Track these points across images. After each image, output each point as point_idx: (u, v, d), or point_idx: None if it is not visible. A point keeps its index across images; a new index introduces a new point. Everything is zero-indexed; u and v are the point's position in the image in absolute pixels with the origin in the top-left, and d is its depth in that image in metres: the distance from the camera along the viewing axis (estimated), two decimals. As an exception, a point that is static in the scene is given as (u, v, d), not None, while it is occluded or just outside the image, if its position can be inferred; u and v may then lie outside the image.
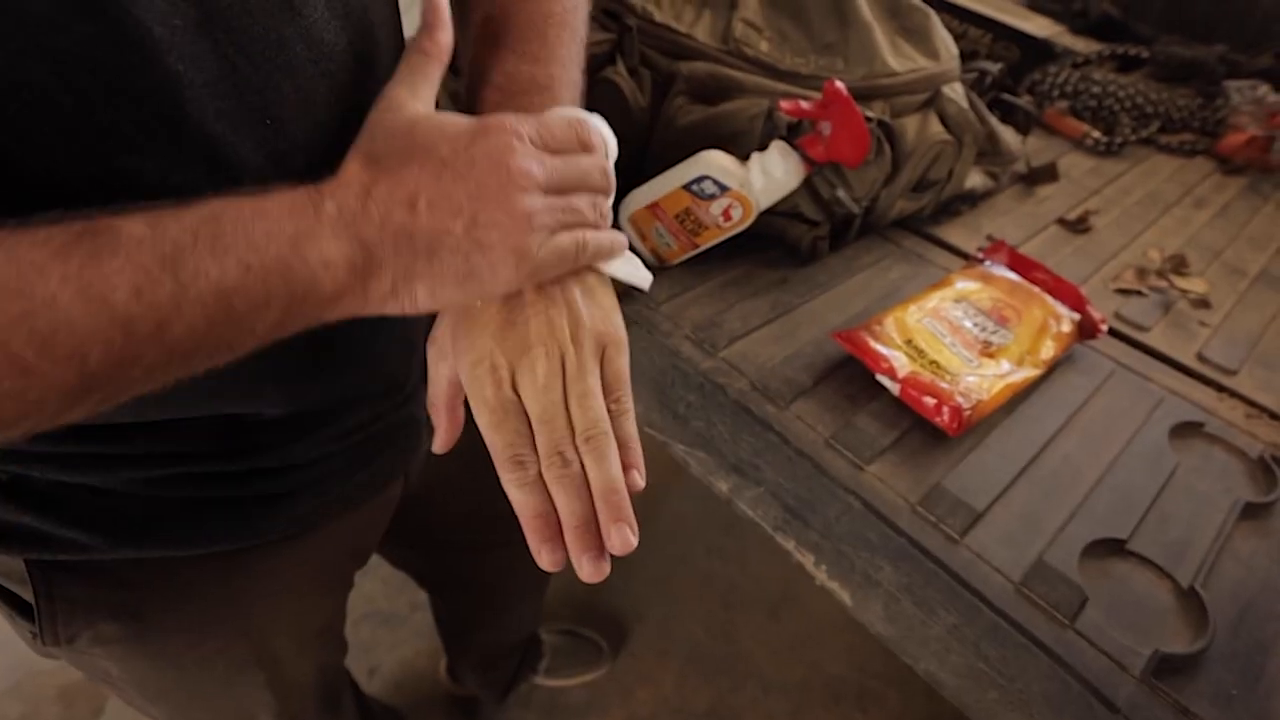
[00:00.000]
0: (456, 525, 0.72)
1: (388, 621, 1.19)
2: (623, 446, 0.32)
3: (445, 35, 0.34)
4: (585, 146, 0.33)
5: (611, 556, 0.31)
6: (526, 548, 0.31)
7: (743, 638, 1.22)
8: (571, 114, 0.33)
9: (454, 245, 0.28)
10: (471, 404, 0.33)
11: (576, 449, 0.31)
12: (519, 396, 0.31)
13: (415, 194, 0.28)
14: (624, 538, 0.30)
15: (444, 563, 0.80)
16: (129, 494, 0.38)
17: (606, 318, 0.33)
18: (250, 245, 0.25)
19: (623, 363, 0.33)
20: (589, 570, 0.30)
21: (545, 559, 0.31)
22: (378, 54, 0.36)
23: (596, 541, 0.30)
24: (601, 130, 0.35)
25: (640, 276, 0.36)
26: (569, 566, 0.31)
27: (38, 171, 0.26)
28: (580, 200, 0.32)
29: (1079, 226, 0.70)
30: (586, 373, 0.31)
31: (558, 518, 0.31)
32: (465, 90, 0.38)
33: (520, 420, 0.31)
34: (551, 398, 0.31)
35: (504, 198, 0.29)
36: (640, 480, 0.32)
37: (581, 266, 0.33)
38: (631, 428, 0.33)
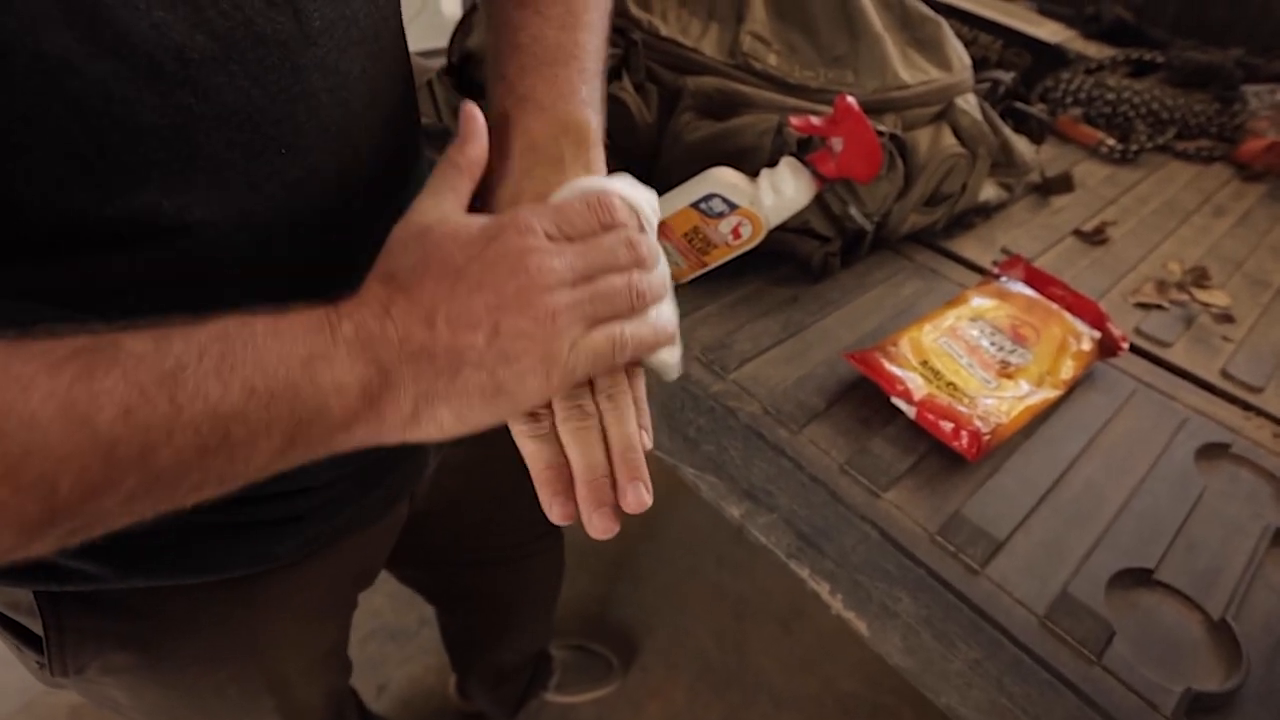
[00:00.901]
0: (462, 543, 0.71)
1: (395, 637, 1.18)
2: (635, 405, 0.32)
3: (478, 149, 0.33)
4: (607, 226, 0.31)
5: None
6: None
7: (754, 651, 1.20)
8: (590, 190, 0.32)
9: (477, 360, 0.27)
10: None
11: (595, 403, 0.30)
12: None
13: (433, 309, 0.27)
14: (639, 496, 0.30)
15: (451, 580, 0.79)
16: (139, 522, 0.37)
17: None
18: (259, 366, 0.24)
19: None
20: (600, 526, 0.30)
21: (556, 512, 0.30)
22: (389, 78, 0.35)
23: (609, 497, 0.30)
24: (627, 195, 0.33)
25: (669, 366, 0.34)
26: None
27: (54, 210, 0.25)
28: (612, 283, 0.30)
29: (1096, 238, 0.69)
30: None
31: (569, 472, 0.30)
32: (489, 49, 0.37)
33: None
34: None
35: (525, 301, 0.27)
36: (649, 441, 0.32)
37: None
38: (642, 390, 0.33)
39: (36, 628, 0.39)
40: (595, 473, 0.30)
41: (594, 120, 0.36)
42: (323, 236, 0.34)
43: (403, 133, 0.39)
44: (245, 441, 0.24)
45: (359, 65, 0.33)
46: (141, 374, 0.22)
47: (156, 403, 0.22)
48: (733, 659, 1.19)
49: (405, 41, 0.40)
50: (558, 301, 0.28)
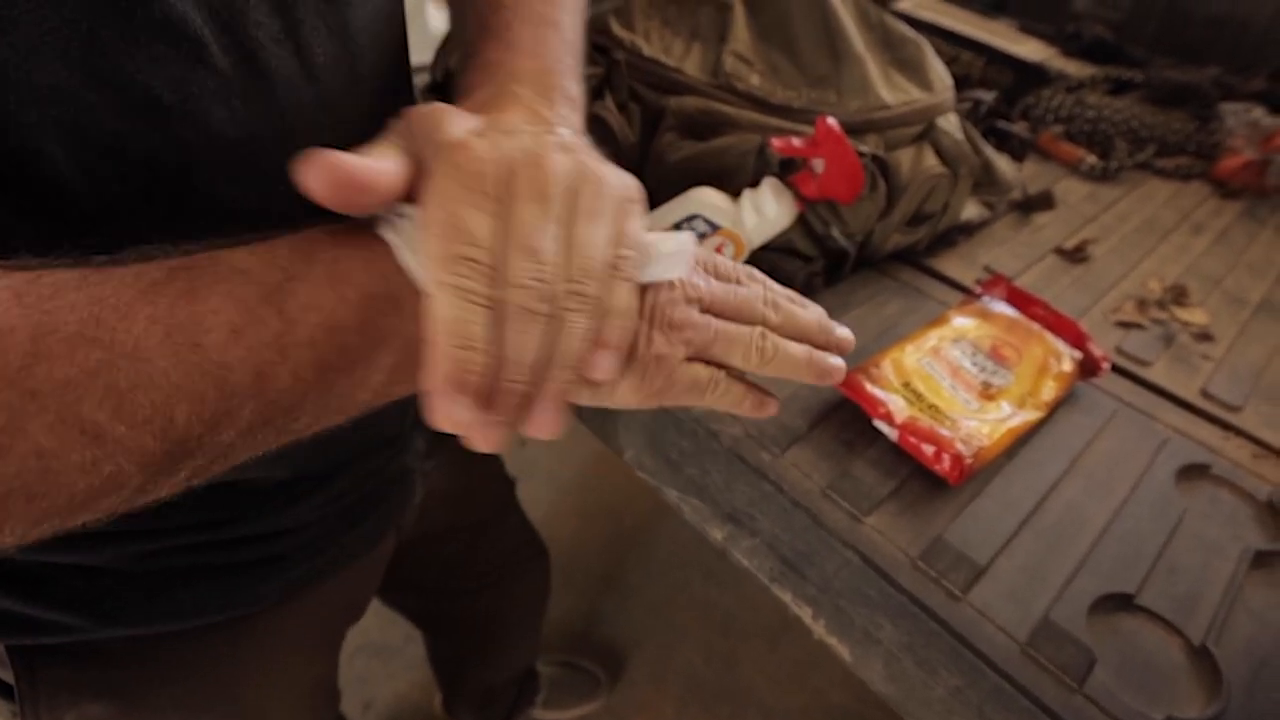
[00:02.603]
0: (448, 570, 0.70)
1: (381, 654, 1.17)
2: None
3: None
4: (748, 280, 0.31)
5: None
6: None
7: (742, 665, 1.20)
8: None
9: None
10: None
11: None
12: None
13: None
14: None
15: (437, 605, 0.78)
16: (116, 570, 0.36)
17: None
18: (377, 272, 0.24)
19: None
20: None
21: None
22: (392, 114, 0.35)
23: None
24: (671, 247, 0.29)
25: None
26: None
27: (46, 243, 0.25)
28: (741, 331, 0.29)
29: (1077, 256, 0.69)
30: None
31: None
32: (464, 25, 0.36)
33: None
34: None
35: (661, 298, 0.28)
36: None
37: None
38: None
39: (9, 678, 0.38)
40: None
41: (578, 94, 0.34)
42: None
43: None
44: (363, 355, 0.23)
45: (363, 102, 0.33)
46: (246, 290, 0.21)
47: (265, 320, 0.21)
48: (721, 673, 1.18)
49: (410, 76, 0.40)
50: (686, 315, 0.28)
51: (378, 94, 0.34)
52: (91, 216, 0.25)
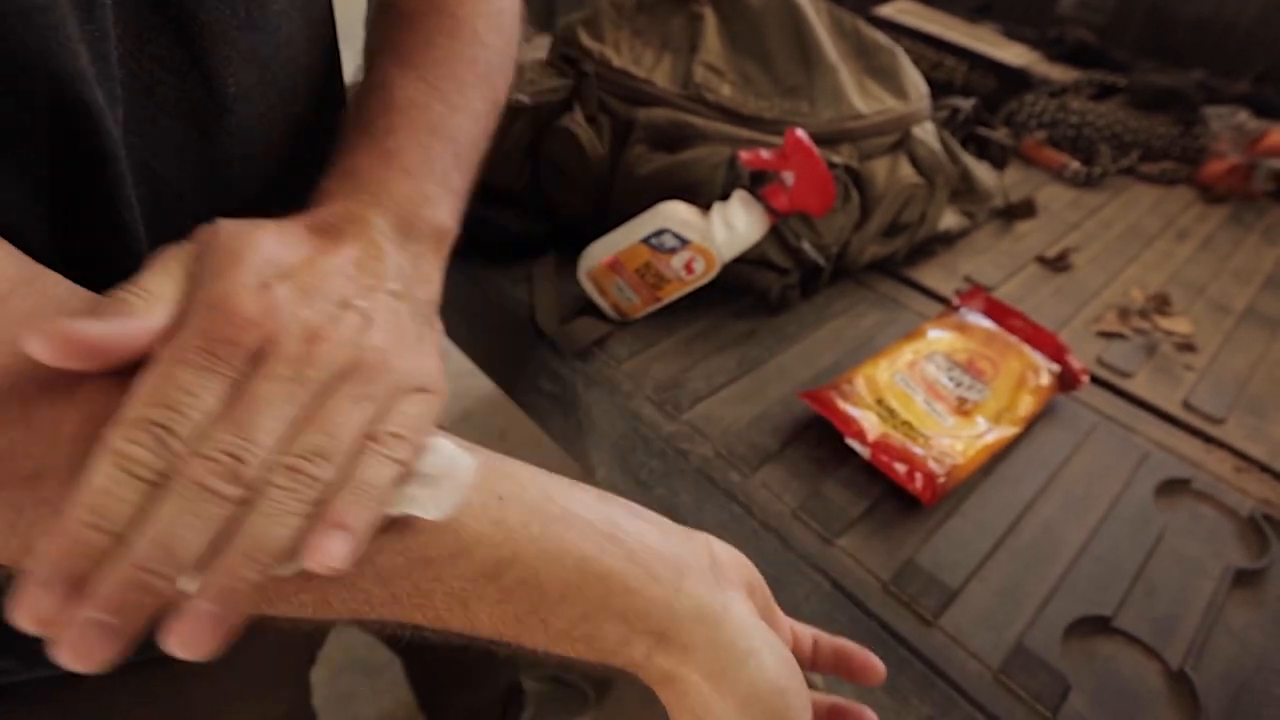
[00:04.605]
0: None
1: (367, 671, 1.15)
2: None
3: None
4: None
5: None
6: None
7: (732, 679, 1.18)
8: None
9: None
10: None
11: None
12: None
13: None
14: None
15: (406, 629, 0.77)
16: None
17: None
18: None
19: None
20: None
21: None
22: (319, 135, 0.33)
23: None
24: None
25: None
26: None
27: None
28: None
29: (1059, 264, 0.68)
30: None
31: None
32: (354, 103, 0.32)
33: None
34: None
35: None
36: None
37: None
38: None
39: None
40: None
41: (451, 227, 0.30)
42: None
43: None
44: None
45: (280, 128, 0.31)
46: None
47: None
48: (710, 687, 1.17)
49: (342, 96, 0.39)
50: None
51: (299, 119, 0.33)
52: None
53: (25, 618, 0.18)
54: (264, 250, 0.23)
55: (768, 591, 0.28)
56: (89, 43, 0.23)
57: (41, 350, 0.19)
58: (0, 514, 0.19)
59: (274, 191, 0.31)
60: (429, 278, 0.28)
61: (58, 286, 0.21)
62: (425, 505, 0.22)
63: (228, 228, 0.23)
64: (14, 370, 0.19)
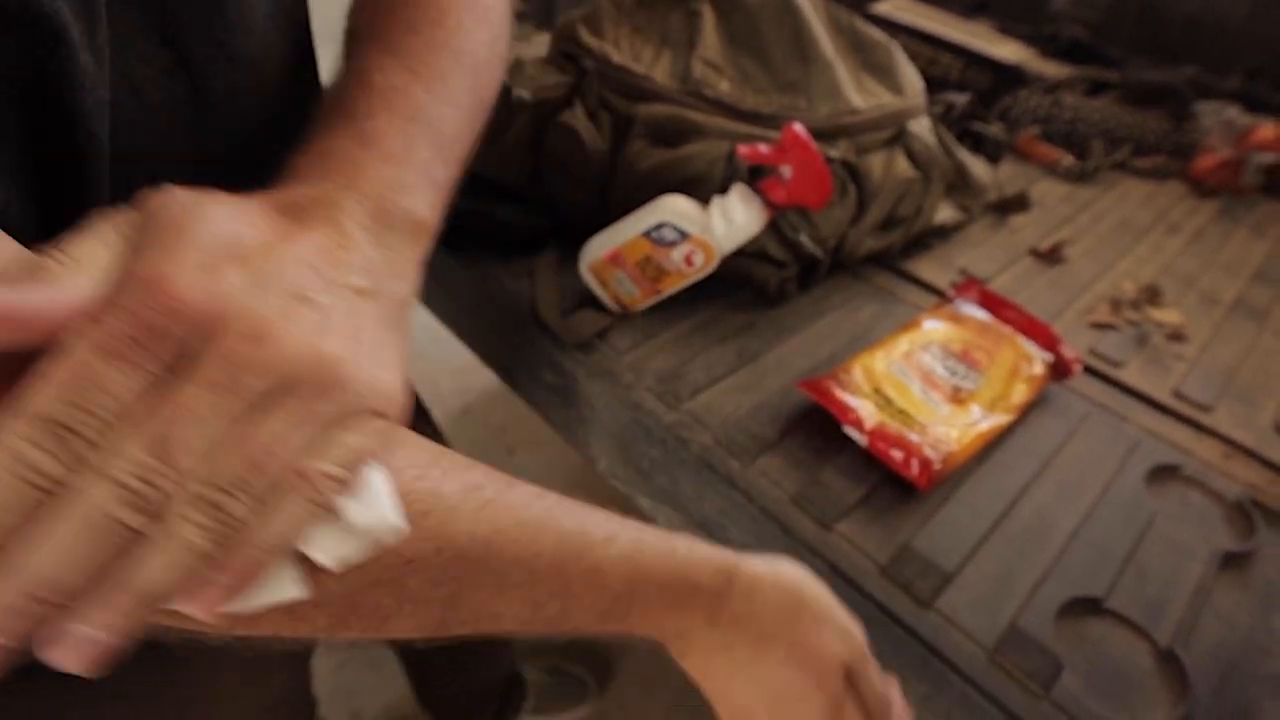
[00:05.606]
0: None
1: (370, 663, 1.16)
2: None
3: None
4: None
5: None
6: None
7: (731, 671, 1.19)
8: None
9: None
10: None
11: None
12: None
13: None
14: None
15: None
16: None
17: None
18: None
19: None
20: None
21: None
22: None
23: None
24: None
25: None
26: None
27: None
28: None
29: (1052, 257, 0.69)
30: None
31: None
32: (331, 89, 0.30)
33: None
34: None
35: None
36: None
37: None
38: None
39: None
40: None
41: (431, 221, 0.28)
42: None
43: None
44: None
45: (264, 129, 0.32)
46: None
47: None
48: (709, 679, 1.18)
49: (318, 89, 0.39)
50: None
51: (287, 123, 0.33)
52: None
53: None
54: (217, 226, 0.20)
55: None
56: (91, 49, 0.24)
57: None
58: None
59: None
60: (403, 274, 0.25)
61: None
62: (324, 552, 0.19)
63: (180, 196, 0.20)
64: None
